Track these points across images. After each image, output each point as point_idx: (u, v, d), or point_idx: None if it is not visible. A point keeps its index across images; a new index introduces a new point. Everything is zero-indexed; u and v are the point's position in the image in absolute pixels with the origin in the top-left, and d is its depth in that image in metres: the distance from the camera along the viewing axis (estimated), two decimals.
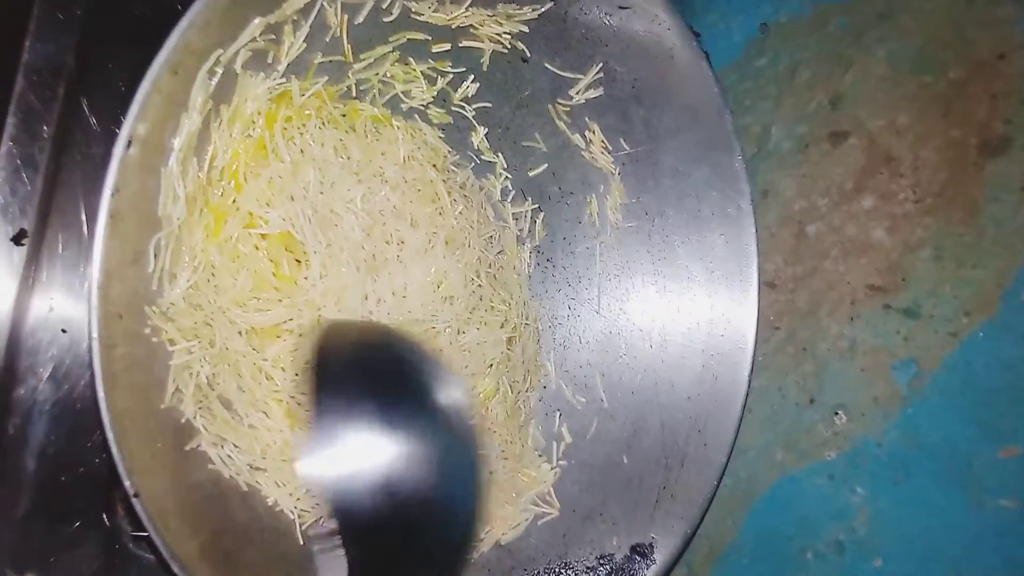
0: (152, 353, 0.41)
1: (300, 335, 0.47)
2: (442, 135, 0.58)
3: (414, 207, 0.53)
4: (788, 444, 0.57)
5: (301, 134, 0.48)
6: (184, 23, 0.36)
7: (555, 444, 0.60)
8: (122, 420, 0.36)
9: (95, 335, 0.34)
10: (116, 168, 0.35)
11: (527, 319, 0.60)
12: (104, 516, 0.50)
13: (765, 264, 0.59)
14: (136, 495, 0.35)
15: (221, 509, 0.44)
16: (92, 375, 0.34)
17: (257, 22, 0.42)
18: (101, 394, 0.34)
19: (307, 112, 0.49)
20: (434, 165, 0.56)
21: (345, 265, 0.48)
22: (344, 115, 0.52)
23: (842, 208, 0.56)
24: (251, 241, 0.47)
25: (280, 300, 0.47)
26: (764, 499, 0.58)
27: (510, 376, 0.58)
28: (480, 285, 0.56)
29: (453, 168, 0.58)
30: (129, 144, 0.35)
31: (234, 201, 0.46)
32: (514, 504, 0.57)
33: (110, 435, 0.35)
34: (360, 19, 0.49)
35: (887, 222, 0.54)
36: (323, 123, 0.50)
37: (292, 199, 0.46)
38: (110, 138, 0.49)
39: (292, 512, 0.48)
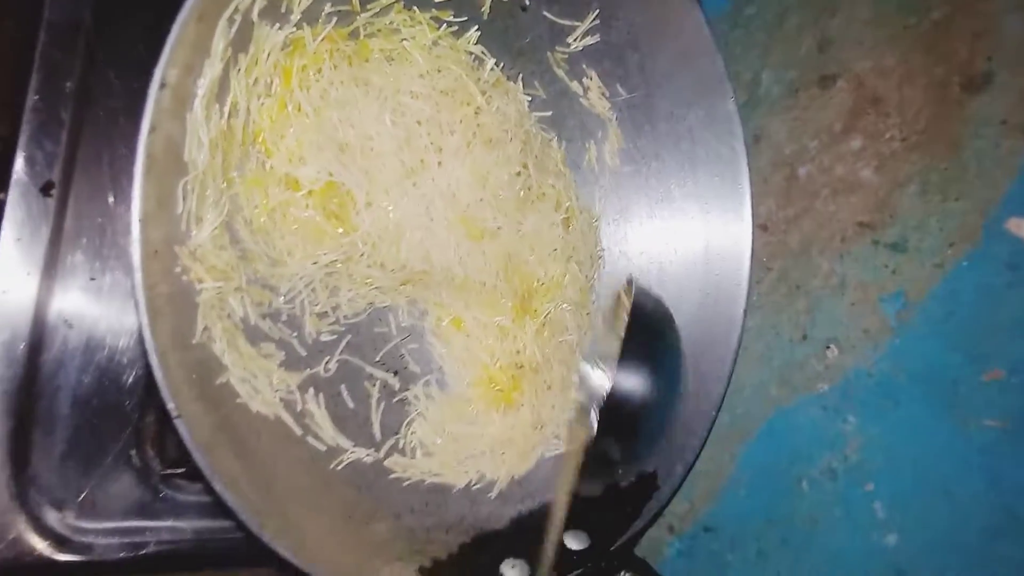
0: (185, 292, 0.43)
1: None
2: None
3: (446, 114, 0.54)
4: (782, 379, 0.59)
5: (317, 80, 0.50)
6: None
7: None
8: (164, 352, 0.38)
9: (138, 268, 0.36)
10: (151, 108, 0.36)
11: (578, 204, 0.61)
12: (134, 456, 0.52)
13: (758, 207, 0.60)
14: (179, 416, 0.37)
15: (251, 439, 0.46)
16: (136, 308, 0.36)
17: None
18: (145, 322, 0.36)
19: (320, 56, 0.50)
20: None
21: (388, 185, 0.50)
22: (356, 52, 0.53)
23: (832, 150, 0.58)
24: (300, 203, 0.49)
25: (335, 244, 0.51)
26: (760, 433, 0.60)
27: (576, 258, 0.60)
28: (529, 175, 0.57)
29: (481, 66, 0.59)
30: (162, 85, 0.37)
31: (270, 168, 0.48)
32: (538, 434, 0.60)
33: (154, 360, 0.37)
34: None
35: (875, 161, 0.55)
36: (336, 64, 0.51)
37: (320, 148, 0.48)
38: (129, 92, 0.51)
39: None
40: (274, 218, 0.49)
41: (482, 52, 0.58)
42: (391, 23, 0.53)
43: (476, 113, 0.56)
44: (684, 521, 0.64)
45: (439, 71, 0.55)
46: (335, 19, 0.50)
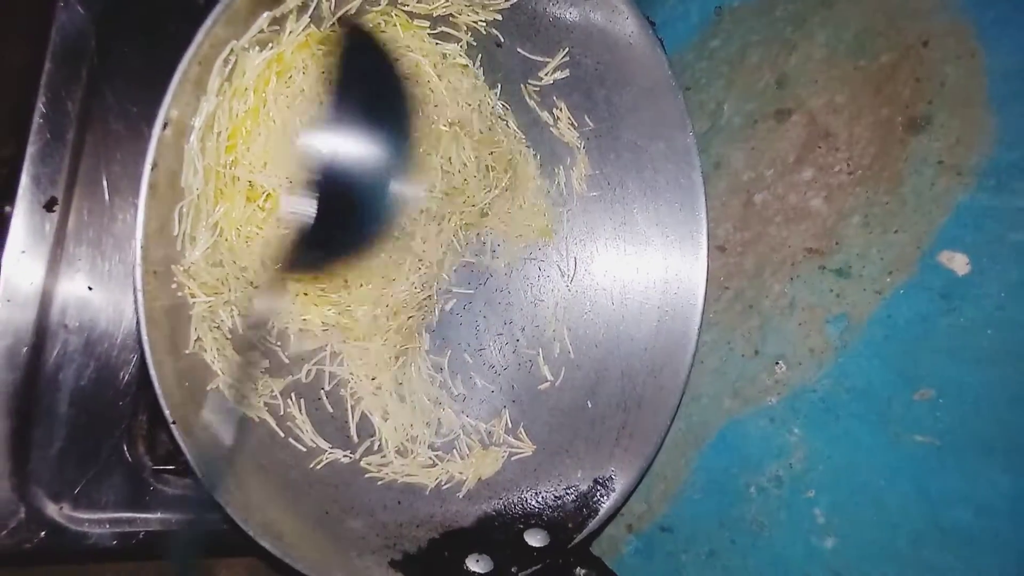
0: (179, 306, 0.46)
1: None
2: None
3: None
4: (735, 391, 0.61)
5: (288, 86, 0.52)
6: (209, 22, 0.41)
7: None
8: (160, 362, 0.41)
9: (139, 287, 0.39)
10: (155, 146, 0.40)
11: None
12: (127, 453, 0.55)
13: (716, 230, 0.63)
14: (174, 422, 0.41)
15: (238, 439, 0.49)
16: (137, 322, 0.39)
17: (265, 16, 0.47)
18: (144, 334, 0.40)
19: (294, 62, 0.52)
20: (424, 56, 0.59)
21: None
22: (326, 51, 0.54)
23: (785, 179, 0.60)
24: (258, 218, 0.51)
25: None
26: (713, 441, 0.62)
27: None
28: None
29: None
30: (165, 126, 0.40)
31: (235, 179, 0.50)
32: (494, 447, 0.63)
33: (151, 368, 0.40)
34: (352, 11, 0.54)
35: (824, 192, 0.58)
36: (306, 68, 0.53)
37: (282, 153, 0.50)
38: (128, 115, 0.54)
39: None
40: (240, 235, 0.51)
41: (459, 51, 0.60)
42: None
43: (431, 91, 0.58)
44: (642, 521, 0.66)
45: (397, 60, 0.56)
46: (310, 24, 0.52)
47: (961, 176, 0.52)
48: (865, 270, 0.55)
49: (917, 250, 0.53)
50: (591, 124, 0.63)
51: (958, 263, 0.51)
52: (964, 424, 0.50)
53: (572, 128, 0.64)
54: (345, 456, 0.57)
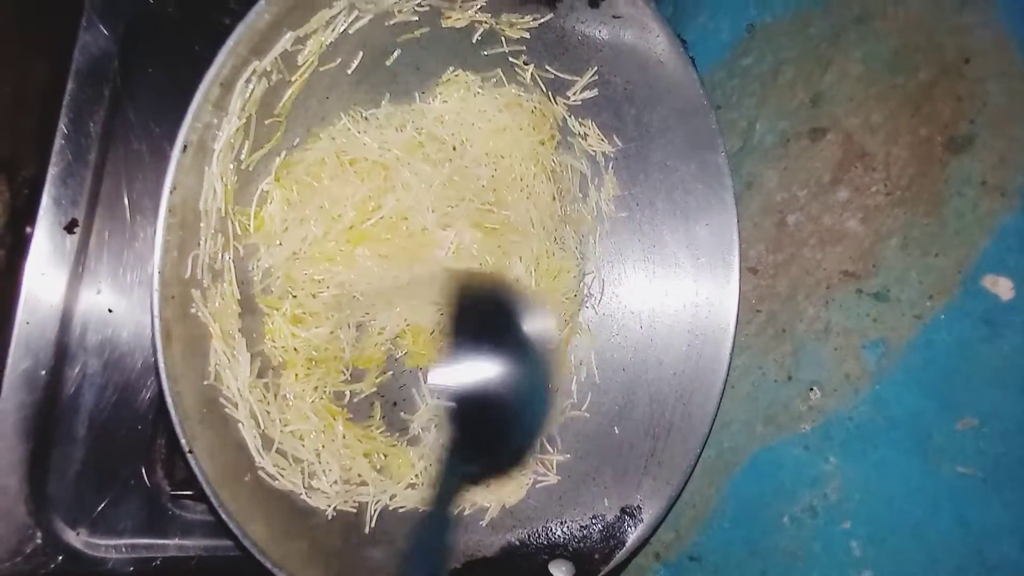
0: (198, 332, 0.45)
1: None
2: None
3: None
4: (767, 418, 0.60)
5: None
6: (231, 43, 0.41)
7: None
8: (177, 388, 0.41)
9: (156, 313, 0.39)
10: (173, 169, 0.39)
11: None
12: (145, 477, 0.55)
13: (748, 251, 0.61)
14: (190, 451, 0.40)
15: (255, 467, 0.48)
16: (154, 348, 0.39)
17: (288, 36, 0.46)
18: (161, 363, 0.39)
19: None
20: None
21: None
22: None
23: (820, 199, 0.59)
24: None
25: None
26: (745, 469, 0.61)
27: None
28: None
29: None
30: (185, 148, 0.39)
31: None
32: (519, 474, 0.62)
33: (169, 400, 0.39)
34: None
35: (860, 213, 0.56)
36: None
37: None
38: (150, 134, 0.54)
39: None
40: None
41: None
42: None
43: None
44: (670, 549, 0.65)
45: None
46: None
47: (1005, 197, 0.51)
48: (904, 294, 0.54)
49: (958, 274, 0.52)
50: (620, 144, 0.62)
51: (1002, 287, 0.50)
52: (1009, 455, 0.49)
53: (602, 144, 0.63)
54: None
